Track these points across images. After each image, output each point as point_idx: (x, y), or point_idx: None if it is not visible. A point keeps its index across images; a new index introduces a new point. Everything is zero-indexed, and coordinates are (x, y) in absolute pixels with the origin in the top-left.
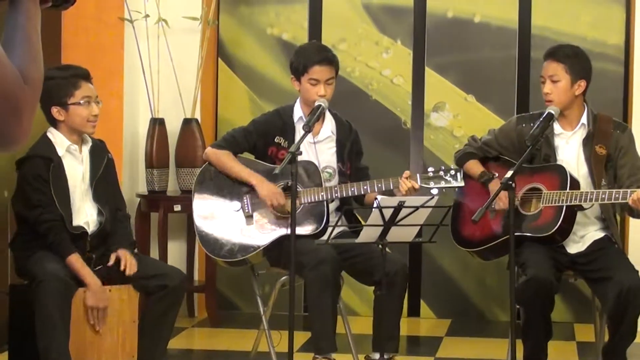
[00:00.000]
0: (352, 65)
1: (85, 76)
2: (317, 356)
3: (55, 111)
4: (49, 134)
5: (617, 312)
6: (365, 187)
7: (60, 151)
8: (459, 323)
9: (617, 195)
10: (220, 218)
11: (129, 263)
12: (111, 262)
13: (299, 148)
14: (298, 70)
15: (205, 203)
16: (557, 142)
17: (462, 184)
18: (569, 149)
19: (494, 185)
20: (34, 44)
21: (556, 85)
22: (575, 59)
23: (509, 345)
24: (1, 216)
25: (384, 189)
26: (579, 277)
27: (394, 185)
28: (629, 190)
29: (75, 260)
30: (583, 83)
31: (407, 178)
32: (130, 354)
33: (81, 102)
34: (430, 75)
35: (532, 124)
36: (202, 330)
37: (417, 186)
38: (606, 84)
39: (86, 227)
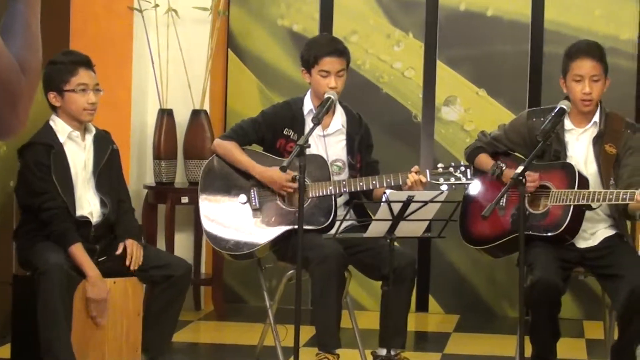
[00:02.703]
0: (363, 58)
1: (84, 63)
2: (320, 352)
3: (52, 97)
4: (50, 121)
5: (628, 310)
6: (374, 182)
7: (62, 138)
8: (467, 319)
9: (624, 196)
10: (226, 211)
11: (134, 257)
12: (119, 250)
13: (307, 141)
14: (308, 62)
15: (211, 204)
16: (567, 138)
17: (472, 180)
18: (579, 146)
19: (506, 177)
20: (33, 32)
21: (597, 85)
22: (605, 57)
23: (517, 342)
24: (6, 207)
25: (392, 184)
26: (589, 273)
27: (403, 181)
28: (636, 191)
29: (78, 250)
30: (607, 82)
31: (415, 173)
32: (135, 346)
33: (76, 89)
34: (442, 69)
35: (542, 119)
36: (208, 324)
37: (424, 180)
38: (618, 79)
39: (90, 217)
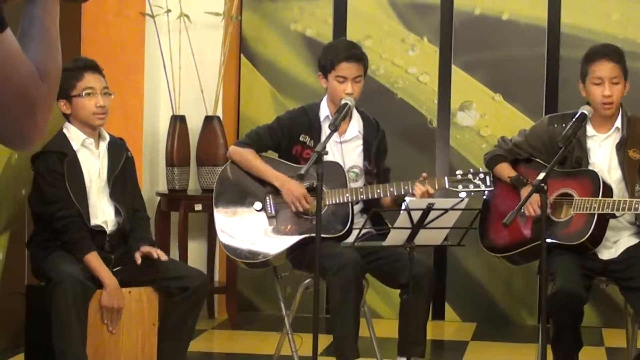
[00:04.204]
0: (378, 63)
1: (90, 67)
2: None
3: (62, 104)
4: (64, 129)
5: None
6: (391, 190)
7: (76, 145)
8: (484, 327)
9: None
10: (241, 221)
11: (158, 253)
12: (138, 261)
13: (324, 148)
14: (325, 67)
15: (226, 216)
16: (590, 144)
17: (491, 188)
18: (602, 152)
19: (526, 191)
20: (52, 38)
21: (617, 87)
22: (624, 60)
23: (539, 351)
24: (19, 215)
25: (410, 192)
26: (611, 283)
27: (406, 192)
28: None
29: (94, 258)
30: (627, 85)
31: (423, 180)
32: (150, 357)
33: (83, 94)
34: (457, 74)
35: (563, 125)
36: (223, 332)
37: (431, 191)
38: (636, 83)
39: (104, 227)
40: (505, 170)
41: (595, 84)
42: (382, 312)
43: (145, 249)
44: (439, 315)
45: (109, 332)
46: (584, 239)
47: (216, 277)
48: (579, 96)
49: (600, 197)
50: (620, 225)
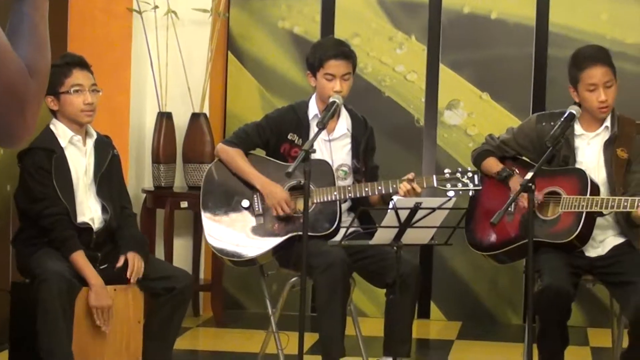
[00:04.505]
0: (365, 61)
1: (78, 64)
2: None
3: (49, 101)
4: (51, 126)
5: None
6: (379, 188)
7: (63, 142)
8: (469, 326)
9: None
10: (229, 217)
11: (135, 269)
12: (120, 263)
13: (312, 146)
14: (314, 65)
15: (213, 214)
16: (578, 143)
17: (479, 187)
18: (590, 151)
19: (514, 183)
20: (41, 34)
21: (611, 90)
22: (611, 59)
23: (525, 350)
24: (4, 212)
25: (391, 192)
26: (598, 281)
27: (394, 191)
28: None
29: (80, 258)
30: (617, 84)
31: (410, 179)
32: (135, 355)
33: (71, 90)
34: (445, 72)
35: (552, 123)
36: (208, 330)
37: (418, 190)
38: (625, 84)
39: (91, 224)
40: (493, 165)
41: (589, 90)
42: (367, 310)
43: (130, 255)
44: (425, 314)
45: (95, 331)
46: (571, 238)
47: (201, 275)
48: (566, 95)
49: (588, 196)
50: (607, 224)
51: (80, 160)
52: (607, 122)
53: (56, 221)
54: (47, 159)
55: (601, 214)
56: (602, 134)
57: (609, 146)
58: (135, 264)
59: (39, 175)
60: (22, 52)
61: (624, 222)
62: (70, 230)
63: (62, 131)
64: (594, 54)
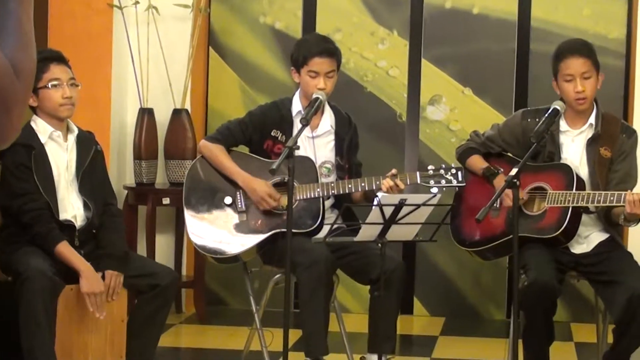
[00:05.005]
0: (347, 56)
1: (55, 58)
2: (307, 358)
3: None
4: (31, 122)
5: (626, 317)
6: (362, 185)
7: (43, 138)
8: (453, 322)
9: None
10: (212, 214)
11: (113, 290)
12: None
13: (296, 142)
14: (298, 61)
15: (196, 212)
16: (562, 139)
17: (463, 183)
18: (574, 147)
19: (498, 182)
20: (26, 32)
21: (589, 82)
22: (594, 53)
23: (510, 346)
24: None
25: (374, 189)
26: (582, 278)
27: (377, 187)
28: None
29: (65, 248)
30: (601, 77)
31: (393, 175)
32: (119, 354)
33: (49, 85)
34: (427, 67)
35: (537, 119)
36: (190, 327)
37: (402, 186)
38: (607, 79)
39: (74, 221)
40: (478, 162)
41: (566, 80)
42: (350, 306)
43: (107, 274)
44: (407, 309)
45: (86, 331)
46: (557, 233)
47: (184, 272)
48: (549, 90)
49: (574, 191)
50: (591, 220)
51: (61, 156)
52: (592, 120)
53: (37, 216)
54: (26, 155)
55: (587, 210)
56: (586, 132)
57: (592, 144)
58: (112, 282)
59: (19, 172)
60: (6, 51)
61: (604, 219)
62: (52, 224)
63: (42, 127)
64: (574, 46)
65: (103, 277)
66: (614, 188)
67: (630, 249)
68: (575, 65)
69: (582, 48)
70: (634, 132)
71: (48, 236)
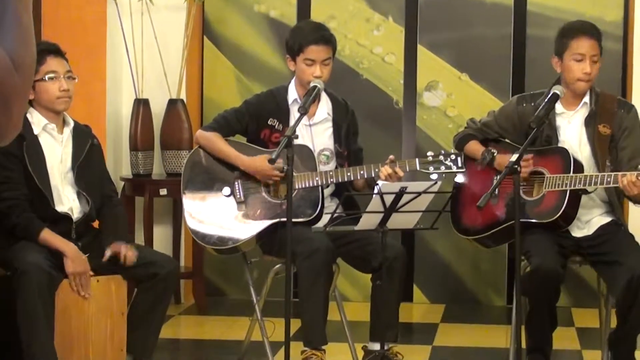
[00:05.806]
0: (342, 43)
1: (52, 51)
2: (306, 348)
3: None
4: (27, 114)
5: (628, 298)
6: (361, 172)
7: (36, 130)
8: (453, 308)
9: (623, 177)
10: (210, 206)
11: (128, 255)
12: (106, 257)
13: (295, 131)
14: (293, 49)
15: (194, 200)
16: (559, 122)
17: (463, 169)
18: (571, 129)
19: (499, 161)
20: (25, 26)
21: (596, 66)
22: (601, 38)
23: (512, 333)
24: None
25: (371, 176)
26: (585, 262)
27: (376, 175)
28: (635, 173)
29: (47, 234)
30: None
31: (392, 162)
32: (119, 346)
33: (46, 78)
34: (423, 53)
35: (533, 104)
36: (189, 318)
37: (401, 174)
38: (604, 61)
39: (70, 214)
40: (475, 148)
41: (576, 60)
42: (349, 295)
43: (116, 246)
44: (408, 297)
45: (85, 324)
46: (556, 217)
47: (182, 262)
48: (545, 75)
49: (571, 174)
50: (593, 203)
51: (56, 149)
52: (586, 99)
53: (13, 205)
54: (17, 146)
55: (586, 192)
56: (581, 111)
57: (590, 122)
58: (124, 250)
59: (6, 160)
60: (6, 45)
61: (617, 200)
62: (29, 213)
63: (36, 119)
64: (587, 26)
65: (111, 257)
66: (626, 165)
67: (631, 230)
68: (588, 45)
69: (594, 31)
70: (632, 106)
71: (29, 226)
